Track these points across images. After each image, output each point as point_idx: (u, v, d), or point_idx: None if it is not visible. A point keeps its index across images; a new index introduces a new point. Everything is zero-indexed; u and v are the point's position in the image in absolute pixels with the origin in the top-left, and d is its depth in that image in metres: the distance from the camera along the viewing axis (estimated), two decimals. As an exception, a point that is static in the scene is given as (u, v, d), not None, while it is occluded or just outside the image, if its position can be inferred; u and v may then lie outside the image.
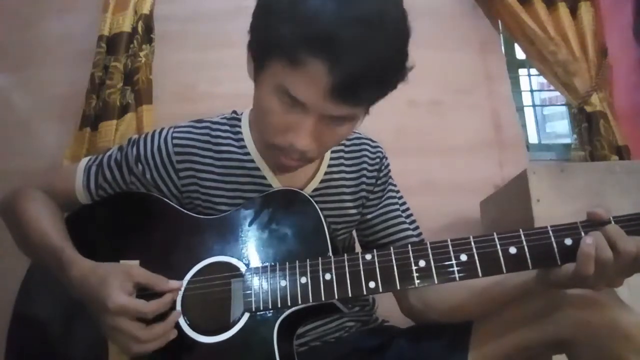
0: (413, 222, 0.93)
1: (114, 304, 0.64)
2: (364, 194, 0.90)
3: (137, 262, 0.77)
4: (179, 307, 0.73)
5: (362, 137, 0.94)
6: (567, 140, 1.90)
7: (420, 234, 0.92)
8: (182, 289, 0.74)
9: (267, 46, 0.66)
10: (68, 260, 0.72)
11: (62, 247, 0.74)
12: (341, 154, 0.90)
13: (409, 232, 0.90)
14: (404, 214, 0.92)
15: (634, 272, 0.61)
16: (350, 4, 0.60)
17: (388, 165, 0.95)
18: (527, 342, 0.68)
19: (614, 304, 0.64)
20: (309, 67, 0.61)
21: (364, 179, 0.90)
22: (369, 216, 0.91)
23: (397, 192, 0.95)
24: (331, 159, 0.89)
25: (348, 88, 0.62)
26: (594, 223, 0.63)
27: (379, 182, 0.92)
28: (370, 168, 0.91)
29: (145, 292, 0.71)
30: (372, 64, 0.62)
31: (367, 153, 0.92)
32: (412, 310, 0.85)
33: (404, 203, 0.95)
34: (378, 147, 0.94)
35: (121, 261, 0.77)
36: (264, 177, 0.84)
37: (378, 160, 0.92)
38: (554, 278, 0.63)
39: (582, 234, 0.62)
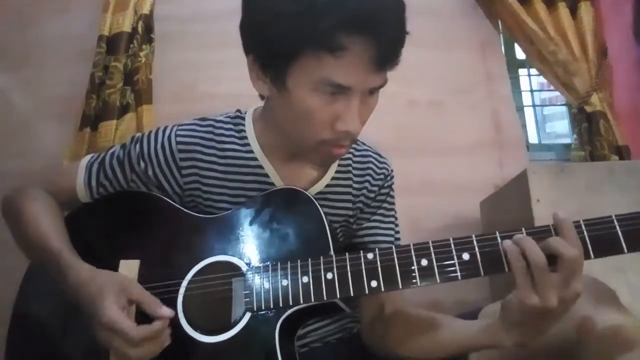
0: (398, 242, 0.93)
1: (106, 317, 0.64)
2: (361, 205, 0.90)
3: (137, 261, 0.77)
4: (179, 305, 0.73)
5: (370, 149, 0.94)
6: (567, 140, 1.91)
7: None
8: (183, 289, 0.74)
9: (291, 49, 0.66)
10: (66, 265, 0.71)
11: (60, 250, 0.73)
12: (349, 162, 0.90)
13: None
14: (385, 238, 0.91)
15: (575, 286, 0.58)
16: None
17: (392, 184, 0.94)
18: (531, 348, 0.68)
19: (617, 311, 0.64)
20: (353, 48, 0.64)
21: (365, 191, 0.90)
22: (355, 226, 0.91)
23: (390, 211, 0.93)
24: (339, 165, 0.89)
25: (392, 53, 0.68)
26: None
27: (377, 197, 0.91)
28: (373, 182, 0.91)
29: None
30: (401, 22, 0.67)
31: (373, 166, 0.91)
32: (373, 332, 0.84)
33: (392, 226, 0.92)
34: (385, 164, 0.94)
35: (121, 261, 0.77)
36: (267, 176, 0.83)
37: (383, 176, 0.92)
38: (508, 313, 0.62)
39: (584, 231, 0.62)
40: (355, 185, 0.89)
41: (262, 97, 0.80)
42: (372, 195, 0.91)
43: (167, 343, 0.68)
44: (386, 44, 0.66)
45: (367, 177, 0.90)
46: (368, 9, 0.63)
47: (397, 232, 0.93)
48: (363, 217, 0.90)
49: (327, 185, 0.87)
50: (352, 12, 0.63)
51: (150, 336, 0.65)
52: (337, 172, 0.88)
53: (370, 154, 0.93)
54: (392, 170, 0.94)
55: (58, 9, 1.78)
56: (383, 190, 0.92)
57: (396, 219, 0.94)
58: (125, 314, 0.66)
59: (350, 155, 0.90)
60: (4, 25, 1.77)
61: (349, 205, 0.88)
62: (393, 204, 0.94)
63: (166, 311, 0.69)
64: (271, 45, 0.69)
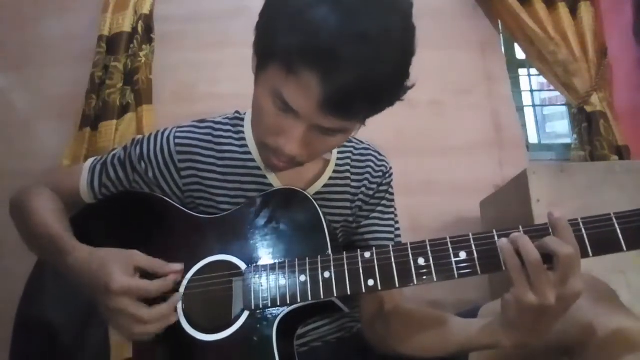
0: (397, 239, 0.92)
1: (117, 284, 0.65)
2: (359, 203, 0.90)
3: None
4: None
5: (370, 148, 0.94)
6: (567, 140, 1.91)
7: None
8: (183, 288, 0.74)
9: (268, 49, 0.67)
10: (67, 247, 0.73)
11: (61, 236, 0.75)
12: (347, 161, 0.90)
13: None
14: (385, 235, 0.91)
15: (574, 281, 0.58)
16: (353, 18, 0.60)
17: (391, 182, 0.94)
18: (531, 347, 0.68)
19: (618, 310, 0.63)
20: (303, 77, 0.62)
21: (363, 189, 0.90)
22: (354, 225, 0.91)
23: (389, 208, 0.93)
24: (337, 165, 0.89)
25: (339, 102, 0.62)
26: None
27: (375, 194, 0.91)
28: (372, 180, 0.91)
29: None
30: (367, 81, 0.61)
31: (372, 165, 0.92)
32: (374, 330, 0.84)
33: (391, 223, 0.92)
34: (384, 161, 0.94)
35: None
36: (265, 177, 0.84)
37: (381, 174, 0.92)
38: (506, 312, 0.61)
39: (583, 230, 0.62)
40: (353, 184, 0.89)
41: None
42: (371, 192, 0.91)
43: (174, 319, 0.70)
44: (334, 89, 0.61)
45: (366, 175, 0.90)
46: (327, 46, 0.59)
47: (397, 229, 0.93)
48: (362, 214, 0.90)
49: (325, 186, 0.87)
50: (308, 42, 0.60)
51: (165, 289, 0.68)
52: (334, 172, 0.88)
53: (370, 152, 0.93)
54: (390, 168, 0.94)
55: (58, 9, 1.79)
56: (382, 188, 0.92)
57: (396, 215, 0.94)
58: (137, 277, 0.68)
59: (349, 154, 0.91)
60: (4, 25, 1.78)
61: (348, 204, 0.88)
62: (392, 201, 0.94)
63: (175, 266, 0.71)
64: (258, 37, 0.70)
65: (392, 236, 0.91)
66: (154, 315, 0.67)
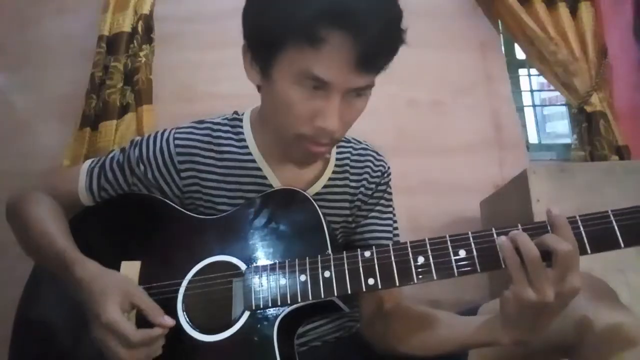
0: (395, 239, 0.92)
1: (106, 318, 0.64)
2: (358, 203, 0.90)
3: (138, 262, 0.77)
4: (179, 304, 0.73)
5: (368, 148, 0.94)
6: (567, 140, 1.91)
7: None
8: (183, 289, 0.74)
9: (277, 37, 0.67)
10: (71, 260, 0.72)
11: (64, 248, 0.74)
12: (347, 161, 0.90)
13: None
14: (383, 235, 0.90)
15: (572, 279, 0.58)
16: None
17: (389, 181, 0.94)
18: (530, 345, 0.68)
19: (617, 309, 0.63)
20: (332, 42, 0.63)
21: (362, 189, 0.90)
22: (353, 225, 0.91)
23: (388, 207, 0.93)
24: (336, 165, 0.89)
25: (373, 55, 0.65)
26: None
27: (374, 194, 0.91)
28: (370, 179, 0.91)
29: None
30: (389, 26, 0.66)
31: (370, 164, 0.92)
32: (374, 329, 0.84)
33: (389, 223, 0.92)
34: (382, 161, 0.94)
35: (123, 262, 0.77)
36: (264, 177, 0.84)
37: (380, 173, 0.92)
38: (505, 309, 0.61)
39: (581, 227, 0.62)
40: (352, 185, 0.89)
41: (258, 88, 0.79)
42: (370, 192, 0.91)
43: (159, 352, 0.68)
44: (366, 44, 0.64)
45: (365, 175, 0.90)
46: (350, 4, 0.63)
47: (396, 229, 0.93)
48: (360, 214, 0.90)
49: (325, 186, 0.87)
50: (332, 5, 0.62)
51: (147, 341, 0.65)
52: (334, 172, 0.88)
53: (369, 152, 0.93)
54: (389, 168, 0.94)
55: (58, 9, 1.79)
56: (380, 188, 0.92)
57: (394, 215, 0.94)
58: (126, 316, 0.66)
59: (348, 154, 0.91)
60: (4, 25, 1.77)
61: (347, 204, 0.89)
62: (390, 200, 0.94)
63: (167, 320, 0.69)
64: (259, 34, 0.70)
65: (390, 235, 0.91)
66: (129, 356, 0.65)
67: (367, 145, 0.95)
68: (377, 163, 0.93)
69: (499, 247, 0.62)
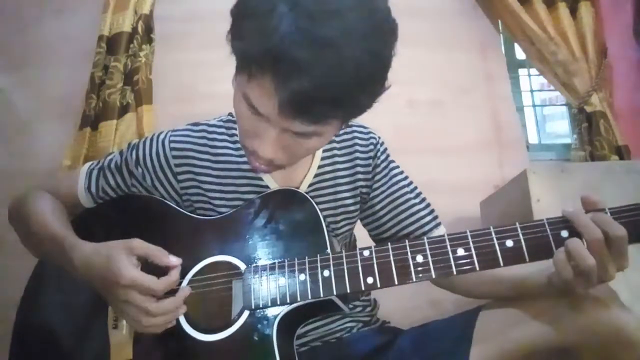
0: (424, 202, 0.91)
1: (126, 278, 0.65)
2: (361, 183, 0.90)
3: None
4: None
5: (353, 126, 0.92)
6: (567, 140, 1.91)
7: (436, 217, 0.90)
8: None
9: (235, 52, 0.66)
10: (70, 246, 0.73)
11: (63, 235, 0.75)
12: (334, 144, 0.90)
13: (422, 214, 0.89)
14: (416, 199, 0.90)
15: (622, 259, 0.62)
16: (310, 21, 0.57)
17: (385, 150, 0.93)
18: (531, 346, 0.68)
19: (618, 310, 0.63)
20: (261, 81, 0.61)
21: (358, 169, 0.90)
22: (378, 207, 0.90)
23: (402, 173, 0.93)
24: (324, 151, 0.89)
25: (298, 107, 0.60)
26: (586, 208, 0.64)
27: (377, 168, 0.91)
28: (363, 156, 0.90)
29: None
30: (325, 85, 0.58)
31: (358, 141, 0.91)
32: (440, 284, 0.87)
33: (411, 183, 0.93)
34: (370, 133, 0.93)
35: None
36: (260, 179, 0.84)
37: (372, 147, 0.91)
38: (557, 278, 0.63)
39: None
40: (342, 166, 0.89)
41: None
42: (369, 168, 0.90)
43: (183, 311, 0.70)
44: (288, 93, 0.59)
45: (356, 154, 0.90)
46: (289, 53, 0.56)
47: (412, 184, 0.93)
48: (375, 194, 0.90)
49: (316, 175, 0.87)
50: (266, 45, 0.58)
51: (170, 288, 0.68)
52: (322, 159, 0.88)
53: (354, 129, 0.92)
54: (379, 138, 0.93)
55: (58, 9, 1.78)
56: (378, 161, 0.91)
57: (404, 173, 0.94)
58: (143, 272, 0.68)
59: (334, 142, 0.90)
60: (4, 25, 1.77)
61: (343, 188, 0.88)
62: (396, 168, 0.93)
63: (173, 259, 0.71)
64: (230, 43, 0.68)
65: (408, 190, 0.91)
66: (161, 308, 0.67)
67: (350, 124, 0.88)
68: (366, 137, 0.91)
69: (554, 259, 0.63)
